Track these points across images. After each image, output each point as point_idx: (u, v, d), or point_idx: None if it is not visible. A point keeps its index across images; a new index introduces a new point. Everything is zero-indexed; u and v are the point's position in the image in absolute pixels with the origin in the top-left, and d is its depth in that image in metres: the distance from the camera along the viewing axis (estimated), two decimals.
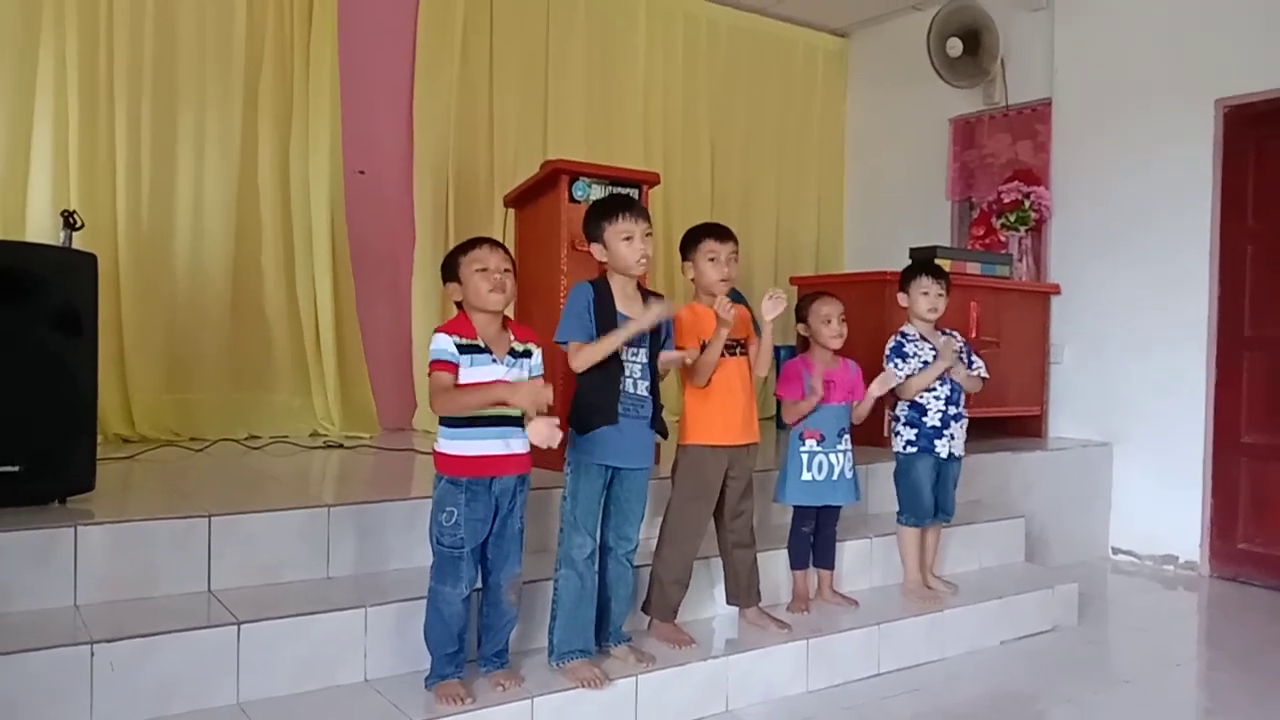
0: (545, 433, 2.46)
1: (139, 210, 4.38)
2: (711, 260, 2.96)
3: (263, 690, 2.43)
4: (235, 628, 2.42)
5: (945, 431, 3.48)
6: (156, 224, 4.44)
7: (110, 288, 4.15)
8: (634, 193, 3.59)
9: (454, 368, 2.45)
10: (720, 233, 3.00)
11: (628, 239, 2.68)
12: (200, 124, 4.53)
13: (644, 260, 2.70)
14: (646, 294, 2.81)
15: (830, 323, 3.33)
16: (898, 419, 3.55)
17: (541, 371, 2.61)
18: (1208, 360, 4.77)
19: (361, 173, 4.97)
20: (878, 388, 3.33)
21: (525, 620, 2.77)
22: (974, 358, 3.60)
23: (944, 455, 3.50)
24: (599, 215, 2.74)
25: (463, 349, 2.47)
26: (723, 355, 2.92)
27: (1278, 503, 4.56)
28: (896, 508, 3.58)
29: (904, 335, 3.53)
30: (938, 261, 3.69)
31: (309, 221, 4.73)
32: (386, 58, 5.08)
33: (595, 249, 2.75)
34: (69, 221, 3.03)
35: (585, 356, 2.60)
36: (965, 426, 3.55)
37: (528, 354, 2.59)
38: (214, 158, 4.56)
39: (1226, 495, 4.72)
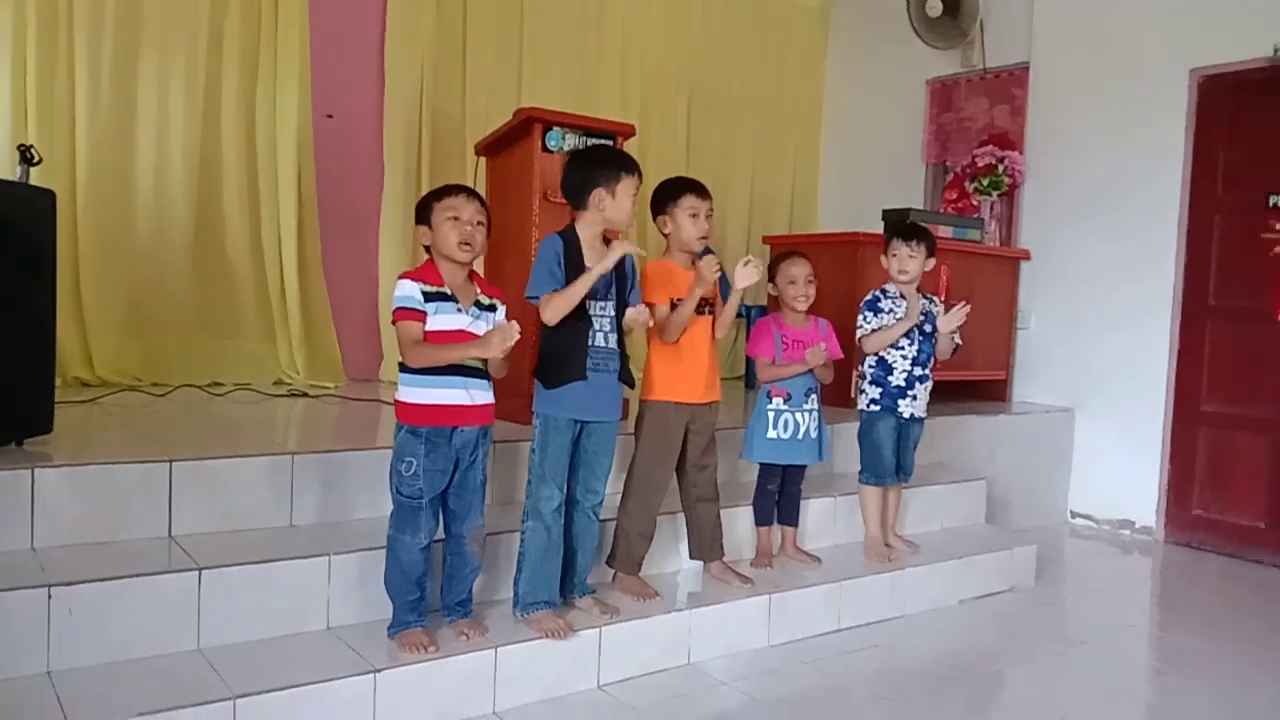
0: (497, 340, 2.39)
1: (99, 151, 4.25)
2: (693, 216, 2.94)
3: (224, 637, 2.41)
4: (196, 574, 2.40)
5: (910, 392, 3.50)
6: (117, 164, 4.32)
7: (68, 228, 4.05)
8: (609, 144, 3.54)
9: (421, 316, 2.43)
10: (701, 189, 2.98)
11: (634, 196, 2.71)
12: (164, 63, 4.40)
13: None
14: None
15: (796, 283, 3.33)
16: (864, 377, 3.56)
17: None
18: (1171, 329, 4.83)
19: (330, 116, 4.87)
20: (813, 358, 3.28)
21: (490, 571, 2.77)
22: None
23: (906, 416, 3.52)
24: (616, 164, 2.71)
25: (428, 296, 2.44)
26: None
27: (1234, 470, 4.65)
28: (859, 467, 3.61)
29: (883, 291, 3.53)
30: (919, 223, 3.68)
31: (274, 165, 4.62)
32: None
33: (598, 195, 2.67)
34: (26, 156, 2.93)
35: (555, 306, 2.58)
36: (930, 389, 3.57)
37: (493, 308, 2.57)
38: (177, 97, 4.43)
39: (1184, 463, 4.80)
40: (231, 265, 4.60)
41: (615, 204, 2.68)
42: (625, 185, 2.69)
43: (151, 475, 2.64)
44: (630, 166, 2.72)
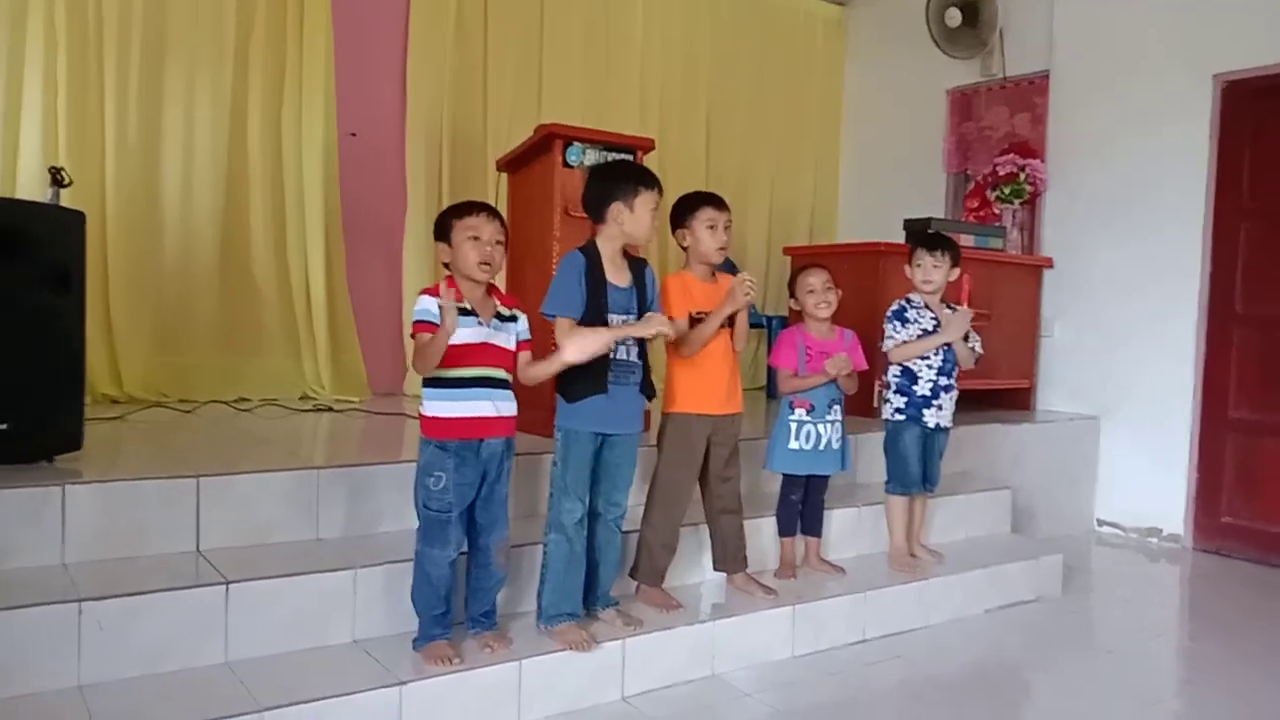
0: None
1: (127, 171, 4.32)
2: (711, 229, 2.96)
3: (251, 650, 2.44)
4: (224, 587, 2.43)
5: (934, 402, 3.49)
6: (145, 185, 4.39)
7: (98, 247, 4.12)
8: (629, 158, 3.57)
9: (436, 328, 2.44)
10: (718, 201, 3.00)
11: (653, 210, 2.71)
12: (191, 84, 4.47)
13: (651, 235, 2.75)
14: (632, 261, 2.80)
15: (815, 292, 3.33)
16: (888, 386, 3.56)
17: (529, 336, 2.62)
18: (1198, 336, 4.79)
19: (353, 135, 4.92)
20: (832, 368, 3.27)
21: (513, 583, 2.78)
22: (970, 333, 3.59)
23: (931, 426, 3.51)
24: (634, 179, 2.73)
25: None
26: None
27: (1263, 477, 4.60)
28: (885, 477, 3.60)
29: (908, 301, 3.53)
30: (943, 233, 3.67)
31: (300, 184, 4.69)
32: (380, 18, 5.02)
33: (617, 209, 2.69)
34: (57, 178, 2.99)
35: (576, 346, 2.56)
36: (955, 399, 3.56)
37: (513, 319, 2.59)
38: (204, 118, 4.50)
39: (1212, 469, 4.75)
40: (257, 282, 4.66)
41: (634, 218, 2.70)
42: (644, 199, 2.70)
43: (179, 490, 2.67)
44: (649, 181, 2.74)
